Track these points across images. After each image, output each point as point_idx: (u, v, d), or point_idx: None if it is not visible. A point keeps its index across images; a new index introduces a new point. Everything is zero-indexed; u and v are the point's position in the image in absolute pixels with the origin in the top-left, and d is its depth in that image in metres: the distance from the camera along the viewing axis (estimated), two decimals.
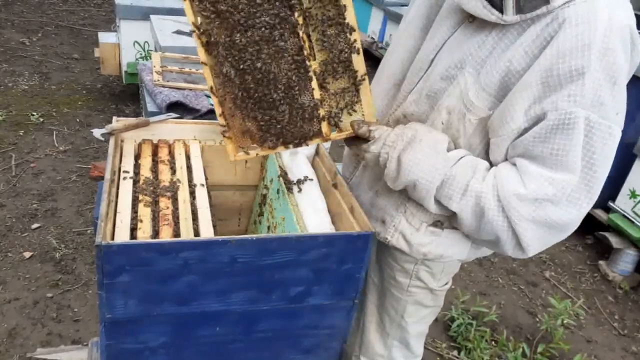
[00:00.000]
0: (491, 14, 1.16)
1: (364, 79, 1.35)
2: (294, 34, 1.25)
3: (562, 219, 1.19)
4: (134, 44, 4.31)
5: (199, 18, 1.21)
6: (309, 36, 1.28)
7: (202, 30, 1.22)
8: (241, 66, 1.24)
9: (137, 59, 4.31)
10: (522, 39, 1.16)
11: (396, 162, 1.28)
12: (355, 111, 1.38)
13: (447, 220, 1.39)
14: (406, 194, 1.36)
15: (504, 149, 1.24)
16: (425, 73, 1.35)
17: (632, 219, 3.31)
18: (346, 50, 1.31)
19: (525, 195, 1.17)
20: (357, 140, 1.36)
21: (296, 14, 1.24)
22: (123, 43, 4.30)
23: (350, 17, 1.28)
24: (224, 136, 1.32)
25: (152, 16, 3.84)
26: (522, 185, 1.18)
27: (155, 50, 3.56)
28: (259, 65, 1.24)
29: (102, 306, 1.20)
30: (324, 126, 1.35)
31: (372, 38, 6.34)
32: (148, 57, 4.26)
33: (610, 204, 3.45)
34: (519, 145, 1.20)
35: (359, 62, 1.33)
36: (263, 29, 1.22)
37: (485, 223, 1.23)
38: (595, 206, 3.55)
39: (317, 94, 1.32)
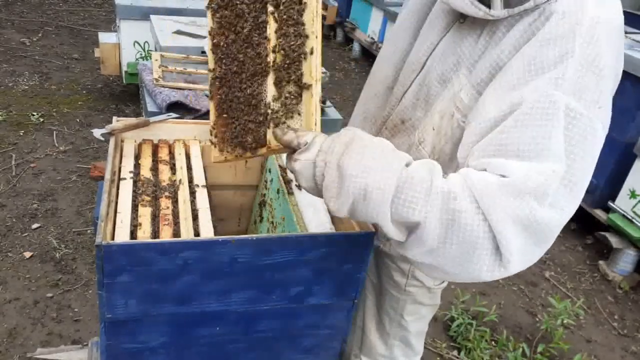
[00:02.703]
0: (479, 10, 1.14)
1: (308, 87, 1.14)
2: (263, 35, 1.21)
3: (544, 220, 0.99)
4: (134, 44, 4.31)
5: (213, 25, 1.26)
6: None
7: (213, 35, 1.27)
8: (226, 65, 1.28)
9: (137, 59, 4.31)
10: (511, 34, 1.14)
11: (336, 169, 1.02)
12: (292, 118, 1.17)
13: None
14: None
15: (470, 143, 1.12)
16: (418, 75, 1.34)
17: (632, 219, 3.31)
18: (299, 52, 1.15)
19: (509, 183, 0.98)
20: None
21: (265, 16, 1.19)
22: (123, 43, 4.30)
23: (308, 19, 1.13)
24: (210, 141, 1.42)
25: (152, 16, 3.84)
26: (503, 176, 1.00)
27: (156, 50, 3.56)
28: (234, 67, 1.27)
29: (102, 306, 1.20)
30: (269, 133, 1.18)
31: (372, 38, 6.34)
32: (148, 57, 4.26)
33: (610, 203, 3.44)
34: (492, 142, 1.06)
35: (307, 68, 1.14)
36: (246, 28, 1.24)
37: (455, 231, 0.98)
38: (595, 206, 3.59)
39: (270, 95, 1.18)
